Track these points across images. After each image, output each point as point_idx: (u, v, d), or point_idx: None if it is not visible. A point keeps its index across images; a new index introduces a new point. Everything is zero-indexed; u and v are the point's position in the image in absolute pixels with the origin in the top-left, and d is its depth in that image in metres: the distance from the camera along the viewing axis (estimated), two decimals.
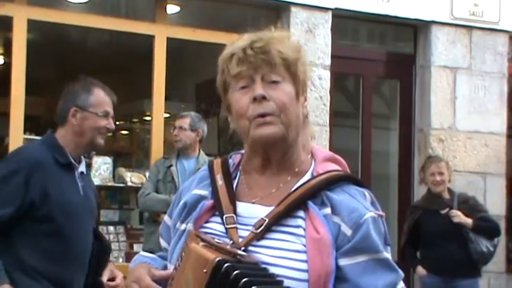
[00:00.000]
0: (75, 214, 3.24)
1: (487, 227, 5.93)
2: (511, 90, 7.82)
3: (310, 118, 1.84)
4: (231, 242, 1.65)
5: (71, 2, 6.77)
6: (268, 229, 1.64)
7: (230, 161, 1.84)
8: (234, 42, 1.77)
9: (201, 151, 6.03)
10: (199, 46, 6.72)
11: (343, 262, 1.59)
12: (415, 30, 7.47)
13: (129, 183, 6.53)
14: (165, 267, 1.84)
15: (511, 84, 7.83)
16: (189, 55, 7.56)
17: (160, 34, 6.26)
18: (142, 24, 6.39)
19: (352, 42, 7.78)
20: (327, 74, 6.77)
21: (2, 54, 9.13)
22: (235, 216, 1.70)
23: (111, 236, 6.55)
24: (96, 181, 6.33)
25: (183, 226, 1.78)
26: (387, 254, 1.63)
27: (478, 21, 7.47)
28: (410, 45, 7.53)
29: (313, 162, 1.75)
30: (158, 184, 5.88)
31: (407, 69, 7.46)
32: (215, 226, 1.73)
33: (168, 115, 6.96)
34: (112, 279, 3.37)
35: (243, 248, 1.62)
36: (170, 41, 6.29)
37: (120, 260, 6.41)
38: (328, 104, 6.74)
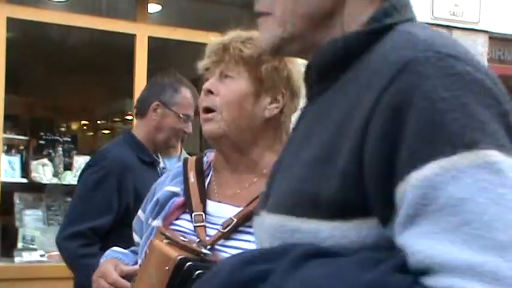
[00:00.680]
0: None
1: None
2: None
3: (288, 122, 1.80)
4: (198, 240, 1.65)
5: (52, 1, 6.72)
6: (236, 229, 1.63)
7: (205, 158, 1.85)
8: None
9: (183, 150, 6.01)
10: (180, 45, 6.69)
11: None
12: None
13: None
14: (136, 263, 1.83)
15: None
16: (171, 54, 7.53)
17: (142, 33, 6.24)
18: (123, 23, 6.36)
19: None
20: None
21: None
22: (204, 215, 1.70)
23: None
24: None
25: (155, 222, 1.79)
26: None
27: (458, 21, 7.50)
28: None
29: None
30: None
31: None
32: (184, 224, 1.73)
33: None
34: None
35: (209, 247, 1.62)
36: (151, 40, 6.26)
37: None
38: None
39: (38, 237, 5.92)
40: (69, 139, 7.35)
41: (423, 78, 0.94)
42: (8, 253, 5.80)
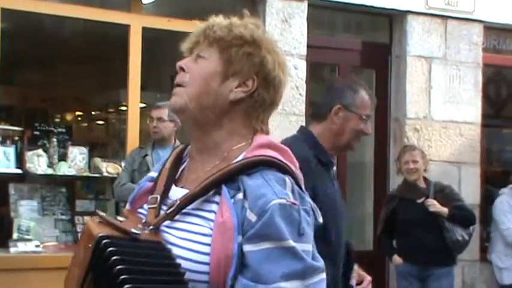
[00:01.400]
0: (337, 216, 3.09)
1: (462, 216, 5.97)
2: (485, 80, 7.88)
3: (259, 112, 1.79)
4: (144, 221, 1.69)
5: None
6: (181, 211, 1.66)
7: (188, 148, 1.87)
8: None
9: (177, 141, 6.02)
10: (174, 35, 6.69)
11: (247, 248, 1.56)
12: (391, 20, 7.50)
13: (105, 174, 6.50)
14: None
15: (486, 74, 7.90)
16: (165, 45, 7.53)
17: (136, 23, 6.24)
18: (117, 13, 6.36)
19: (328, 32, 7.79)
20: (302, 64, 6.78)
21: None
22: (159, 197, 1.73)
23: None
24: (72, 171, 6.32)
25: (127, 206, 1.85)
26: (295, 243, 1.56)
27: (453, 11, 7.51)
28: (385, 35, 7.55)
29: (247, 149, 1.72)
30: (134, 174, 5.87)
31: (383, 58, 7.49)
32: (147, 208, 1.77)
33: (144, 105, 6.93)
34: (359, 282, 3.20)
35: (151, 227, 1.65)
36: (145, 31, 6.26)
37: None
38: (304, 94, 6.75)
39: (33, 227, 5.93)
40: (63, 130, 7.36)
41: None
42: (3, 244, 5.82)
